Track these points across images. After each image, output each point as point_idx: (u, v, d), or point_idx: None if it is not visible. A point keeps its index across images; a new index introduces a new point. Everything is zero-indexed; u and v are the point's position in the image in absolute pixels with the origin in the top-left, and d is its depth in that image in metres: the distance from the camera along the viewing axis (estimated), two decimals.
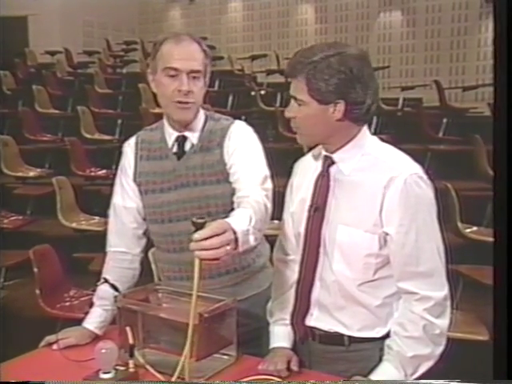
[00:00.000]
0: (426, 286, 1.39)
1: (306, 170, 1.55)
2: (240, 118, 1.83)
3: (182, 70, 1.60)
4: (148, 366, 1.46)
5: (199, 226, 1.21)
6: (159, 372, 1.44)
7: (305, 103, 1.40)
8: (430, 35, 9.57)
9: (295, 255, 1.56)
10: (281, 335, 1.59)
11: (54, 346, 1.60)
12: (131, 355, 1.44)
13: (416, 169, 1.41)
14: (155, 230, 1.75)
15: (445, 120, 6.90)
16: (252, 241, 1.33)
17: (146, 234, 1.78)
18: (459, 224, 3.86)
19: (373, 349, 1.46)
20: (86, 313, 1.73)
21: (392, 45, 9.98)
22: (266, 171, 1.63)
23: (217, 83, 8.60)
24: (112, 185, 1.81)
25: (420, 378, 1.41)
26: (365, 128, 1.47)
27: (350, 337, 1.47)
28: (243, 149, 1.66)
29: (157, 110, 5.78)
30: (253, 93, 7.99)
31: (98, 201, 4.41)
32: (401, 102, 7.72)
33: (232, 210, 1.44)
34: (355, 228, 1.41)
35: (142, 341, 1.50)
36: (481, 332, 2.70)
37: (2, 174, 5.72)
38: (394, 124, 6.88)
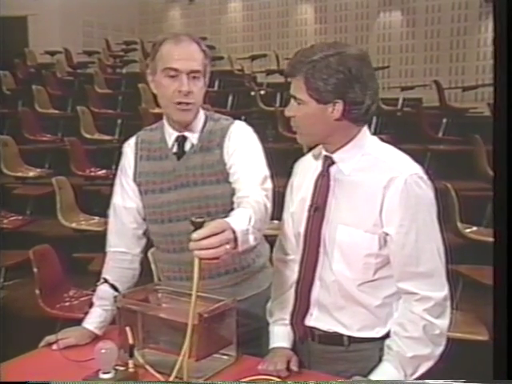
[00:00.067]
0: (425, 287, 1.39)
1: (306, 169, 1.55)
2: (240, 118, 1.83)
3: (181, 71, 1.60)
4: (148, 366, 1.46)
5: (198, 226, 1.21)
6: (159, 372, 1.44)
7: (304, 102, 1.40)
8: (429, 35, 9.57)
9: (295, 255, 1.56)
10: (280, 335, 1.59)
11: (54, 346, 1.60)
12: (131, 355, 1.44)
13: (416, 169, 1.41)
14: (155, 230, 1.75)
15: (444, 120, 6.91)
16: (251, 240, 1.32)
17: (145, 234, 1.78)
18: (459, 224, 3.86)
19: (372, 349, 1.46)
20: (86, 313, 1.73)
21: (392, 45, 9.98)
22: (266, 171, 1.63)
23: (217, 83, 8.60)
24: (112, 185, 1.81)
25: (420, 378, 1.41)
26: (365, 128, 1.47)
27: (349, 337, 1.47)
28: (243, 149, 1.66)
29: (156, 110, 5.78)
30: (252, 93, 7.99)
31: (97, 201, 4.41)
32: (400, 102, 7.73)
33: (232, 210, 1.43)
34: (355, 228, 1.41)
35: (141, 341, 1.50)
36: (481, 332, 2.70)
37: (2, 174, 5.72)
38: (393, 124, 6.88)
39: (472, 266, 3.44)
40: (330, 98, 1.37)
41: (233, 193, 1.60)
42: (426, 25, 9.59)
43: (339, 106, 1.38)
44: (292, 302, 1.55)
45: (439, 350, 1.42)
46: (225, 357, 1.52)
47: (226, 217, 1.31)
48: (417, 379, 1.41)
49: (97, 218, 4.54)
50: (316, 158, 1.54)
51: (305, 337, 1.54)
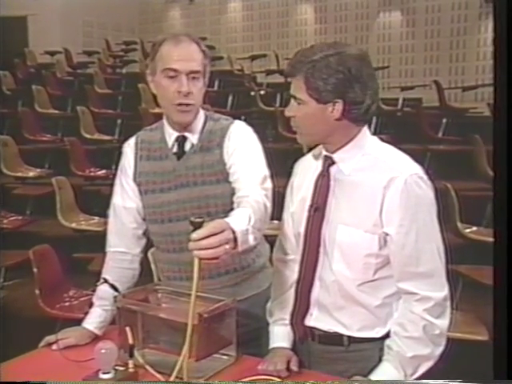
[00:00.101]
0: (426, 287, 1.39)
1: (307, 169, 1.55)
2: (240, 118, 1.83)
3: (181, 71, 1.60)
4: (147, 366, 1.46)
5: (197, 226, 1.21)
6: (159, 372, 1.44)
7: (304, 102, 1.40)
8: (429, 35, 9.57)
9: (295, 255, 1.56)
10: (280, 335, 1.59)
11: (54, 346, 1.60)
12: (131, 355, 1.44)
13: (416, 169, 1.41)
14: (155, 230, 1.75)
15: (444, 120, 6.91)
16: (251, 240, 1.32)
17: (145, 234, 1.78)
18: (459, 224, 3.86)
19: (372, 349, 1.46)
20: (86, 313, 1.73)
21: (391, 45, 9.98)
22: (266, 171, 1.63)
23: (216, 83, 8.60)
24: (112, 185, 1.81)
25: (420, 378, 1.41)
26: (365, 128, 1.47)
27: (349, 337, 1.47)
28: (243, 149, 1.66)
29: (156, 110, 5.78)
30: (252, 93, 7.99)
31: (97, 201, 4.41)
32: (400, 102, 7.73)
33: (232, 209, 1.43)
34: (355, 228, 1.41)
35: (141, 341, 1.50)
36: (481, 332, 2.70)
37: (2, 174, 5.72)
38: (393, 124, 6.88)
39: (472, 266, 3.44)
40: (330, 98, 1.37)
41: (233, 192, 1.60)
42: (426, 25, 9.59)
43: (339, 106, 1.38)
44: (292, 302, 1.55)
45: (439, 350, 1.42)
46: (225, 357, 1.52)
47: (225, 217, 1.31)
48: (417, 379, 1.41)
49: (97, 218, 4.54)
50: (316, 157, 1.54)
51: (305, 337, 1.54)
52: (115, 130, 7.43)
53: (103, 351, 1.39)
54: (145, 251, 1.83)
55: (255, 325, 1.68)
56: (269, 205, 1.51)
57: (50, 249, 3.17)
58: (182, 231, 1.62)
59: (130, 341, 1.44)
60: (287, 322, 1.57)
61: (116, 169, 1.83)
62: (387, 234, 1.39)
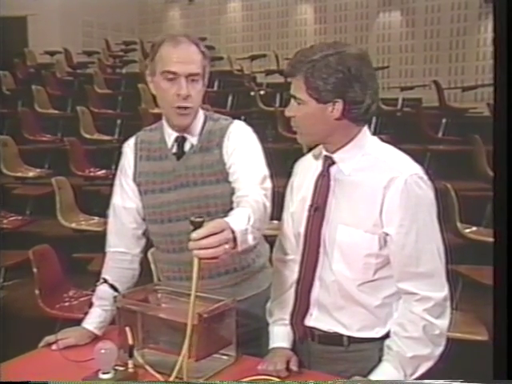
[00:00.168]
0: (425, 287, 1.39)
1: (307, 169, 1.55)
2: (239, 118, 1.83)
3: (180, 74, 1.60)
4: (147, 367, 1.46)
5: (197, 225, 1.21)
6: (158, 372, 1.44)
7: (304, 102, 1.40)
8: (429, 35, 9.57)
9: (295, 255, 1.56)
10: (280, 335, 1.59)
11: (54, 347, 1.60)
12: (130, 355, 1.44)
13: (416, 169, 1.41)
14: (155, 230, 1.75)
15: (444, 120, 6.91)
16: (251, 240, 1.32)
17: (145, 234, 1.78)
18: (459, 224, 3.86)
19: (372, 349, 1.46)
20: (86, 313, 1.73)
21: (391, 45, 9.98)
22: (265, 171, 1.63)
23: (216, 83, 8.61)
24: (111, 185, 1.81)
25: (420, 378, 1.41)
26: (365, 128, 1.47)
27: (349, 337, 1.47)
28: (242, 148, 1.66)
29: (156, 110, 5.78)
30: (252, 93, 7.99)
31: (97, 201, 4.41)
32: (400, 102, 7.73)
33: (231, 209, 1.43)
34: (355, 228, 1.41)
35: (141, 341, 1.50)
36: (480, 332, 2.70)
37: (2, 174, 5.72)
38: (393, 124, 6.88)
39: (472, 266, 3.44)
40: (330, 98, 1.37)
41: (232, 192, 1.60)
42: (426, 25, 9.59)
43: (339, 106, 1.38)
44: (292, 302, 1.54)
45: (439, 350, 1.42)
46: (225, 357, 1.52)
47: (225, 216, 1.32)
48: (417, 379, 1.40)
49: (96, 218, 4.54)
50: (316, 157, 1.54)
51: (304, 337, 1.54)
52: (115, 130, 7.43)
53: (103, 351, 1.39)
54: (145, 251, 1.83)
55: (255, 325, 1.68)
56: (268, 204, 1.51)
57: (50, 249, 3.17)
58: (182, 231, 1.62)
59: (130, 341, 1.44)
60: (287, 322, 1.57)
61: (116, 169, 1.83)
62: (387, 234, 1.39)
